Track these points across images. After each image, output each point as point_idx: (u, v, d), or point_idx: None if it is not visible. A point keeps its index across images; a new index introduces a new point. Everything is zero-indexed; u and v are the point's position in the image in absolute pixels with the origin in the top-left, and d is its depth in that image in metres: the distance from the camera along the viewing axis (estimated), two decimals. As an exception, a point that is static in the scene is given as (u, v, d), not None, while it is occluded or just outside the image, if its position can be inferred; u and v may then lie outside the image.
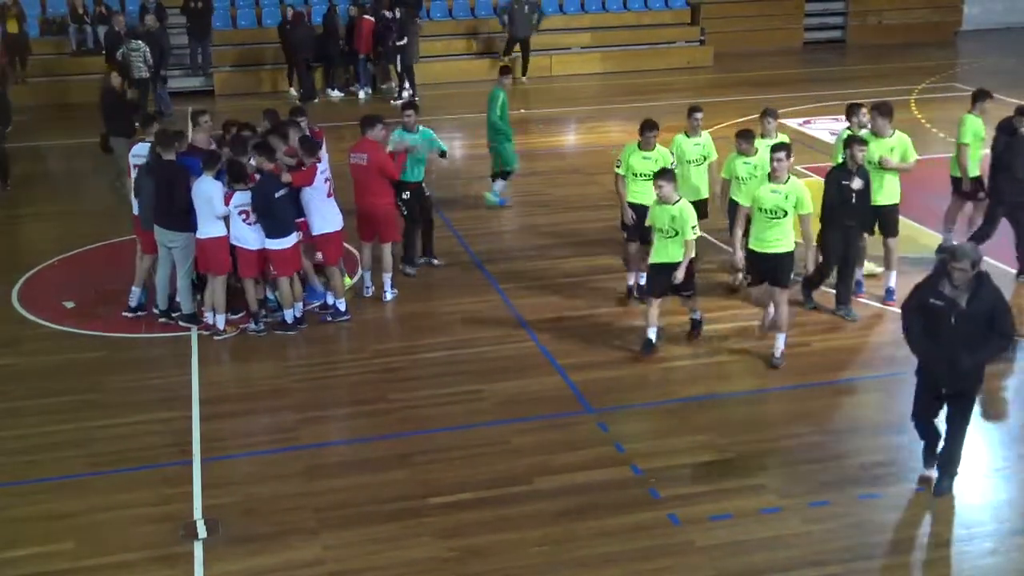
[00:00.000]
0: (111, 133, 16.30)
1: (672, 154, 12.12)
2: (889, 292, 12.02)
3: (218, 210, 10.91)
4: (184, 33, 24.06)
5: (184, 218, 11.22)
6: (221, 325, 11.38)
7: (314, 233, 11.55)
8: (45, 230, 15.15)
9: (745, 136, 11.79)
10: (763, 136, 12.16)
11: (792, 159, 10.59)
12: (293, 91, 23.64)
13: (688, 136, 12.50)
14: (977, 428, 9.04)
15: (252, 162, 11.30)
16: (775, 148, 10.54)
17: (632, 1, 27.63)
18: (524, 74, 24.77)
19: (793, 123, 20.13)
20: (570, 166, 17.97)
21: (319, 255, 11.88)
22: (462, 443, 9.36)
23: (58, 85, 23.67)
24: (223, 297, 11.34)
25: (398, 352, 11.12)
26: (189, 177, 11.21)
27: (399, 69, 23.37)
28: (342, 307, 11.69)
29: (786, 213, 10.28)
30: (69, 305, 12.25)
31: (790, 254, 10.51)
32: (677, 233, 10.31)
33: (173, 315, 11.74)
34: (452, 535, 8.05)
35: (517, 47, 25.04)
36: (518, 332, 11.50)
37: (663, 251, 10.51)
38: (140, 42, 20.94)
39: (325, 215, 11.49)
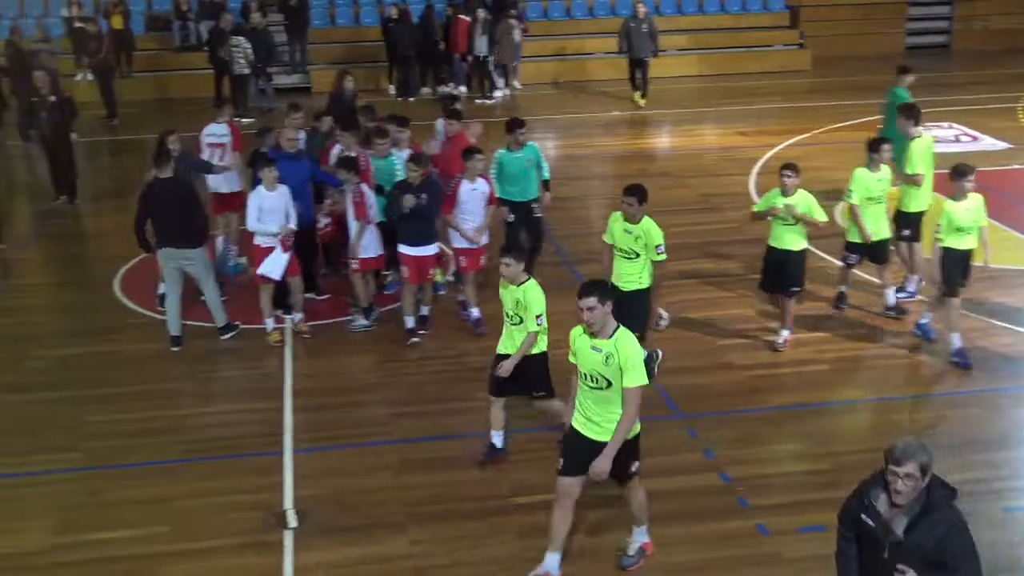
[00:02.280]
0: None
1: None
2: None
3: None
4: (283, 31, 24.45)
5: (201, 234, 11.15)
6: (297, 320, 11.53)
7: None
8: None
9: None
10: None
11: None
12: (392, 88, 23.87)
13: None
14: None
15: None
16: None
17: (730, 3, 27.35)
18: (643, 97, 22.73)
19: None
20: (661, 169, 17.85)
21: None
22: (549, 443, 9.34)
23: (161, 80, 24.25)
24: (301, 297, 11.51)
25: (488, 352, 11.10)
26: (196, 192, 11.29)
27: (492, 68, 23.42)
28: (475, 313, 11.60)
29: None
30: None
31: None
32: (522, 320, 8.62)
33: (222, 337, 11.44)
34: (536, 535, 8.03)
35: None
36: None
37: (509, 339, 8.79)
38: (242, 39, 21.38)
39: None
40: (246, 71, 21.52)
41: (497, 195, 11.69)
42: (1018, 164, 17.44)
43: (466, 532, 8.09)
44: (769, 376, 10.51)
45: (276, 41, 23.50)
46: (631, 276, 9.73)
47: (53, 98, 15.80)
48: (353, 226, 11.28)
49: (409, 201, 10.71)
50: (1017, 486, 8.68)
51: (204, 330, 11.67)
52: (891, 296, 11.83)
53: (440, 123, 13.11)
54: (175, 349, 11.20)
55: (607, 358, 6.91)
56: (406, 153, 11.81)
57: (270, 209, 10.91)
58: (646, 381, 7.01)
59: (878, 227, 11.42)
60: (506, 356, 8.69)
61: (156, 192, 10.99)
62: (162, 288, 11.79)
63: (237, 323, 11.57)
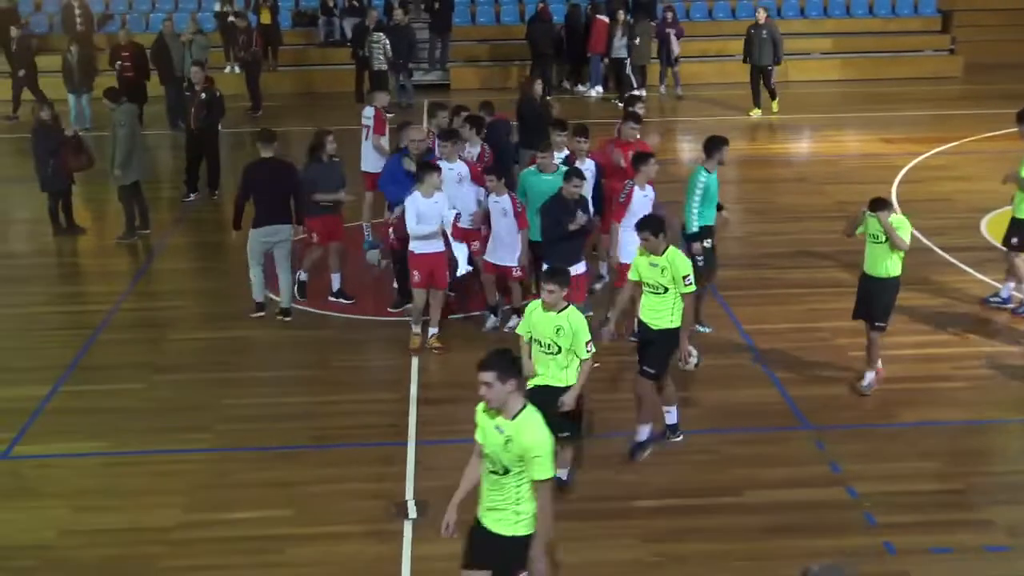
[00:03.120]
0: None
1: None
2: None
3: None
4: (425, 28, 24.79)
5: (294, 214, 11.73)
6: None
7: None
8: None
9: None
10: None
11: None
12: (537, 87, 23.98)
13: None
14: None
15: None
16: None
17: (879, 6, 26.61)
18: (773, 99, 22.01)
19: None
20: (797, 174, 17.47)
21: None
22: (670, 448, 9.25)
23: (305, 75, 24.87)
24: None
25: (604, 354, 11.03)
26: (295, 174, 11.79)
27: (627, 71, 23.27)
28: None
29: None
30: (303, 277, 12.70)
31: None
32: (560, 349, 7.98)
33: (279, 317, 11.93)
34: (655, 539, 7.97)
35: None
36: (735, 340, 11.27)
37: (544, 367, 8.10)
38: (381, 35, 21.77)
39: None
40: (384, 67, 21.88)
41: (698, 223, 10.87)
42: None
43: (586, 533, 8.05)
44: (901, 390, 10.18)
45: (417, 38, 23.84)
46: (661, 313, 8.84)
47: (204, 95, 16.25)
48: (516, 236, 11.02)
49: (581, 219, 10.32)
50: None
51: (335, 320, 11.91)
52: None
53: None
54: (259, 315, 11.95)
55: (507, 442, 5.98)
56: (590, 164, 11.47)
57: (426, 215, 10.63)
58: (551, 475, 5.98)
59: None
60: (545, 387, 7.99)
61: (259, 171, 11.67)
62: (302, 275, 12.37)
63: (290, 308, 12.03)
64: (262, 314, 11.98)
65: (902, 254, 9.74)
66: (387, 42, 21.82)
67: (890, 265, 9.78)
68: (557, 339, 7.85)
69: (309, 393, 10.42)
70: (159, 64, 20.72)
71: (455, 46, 25.29)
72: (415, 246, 10.77)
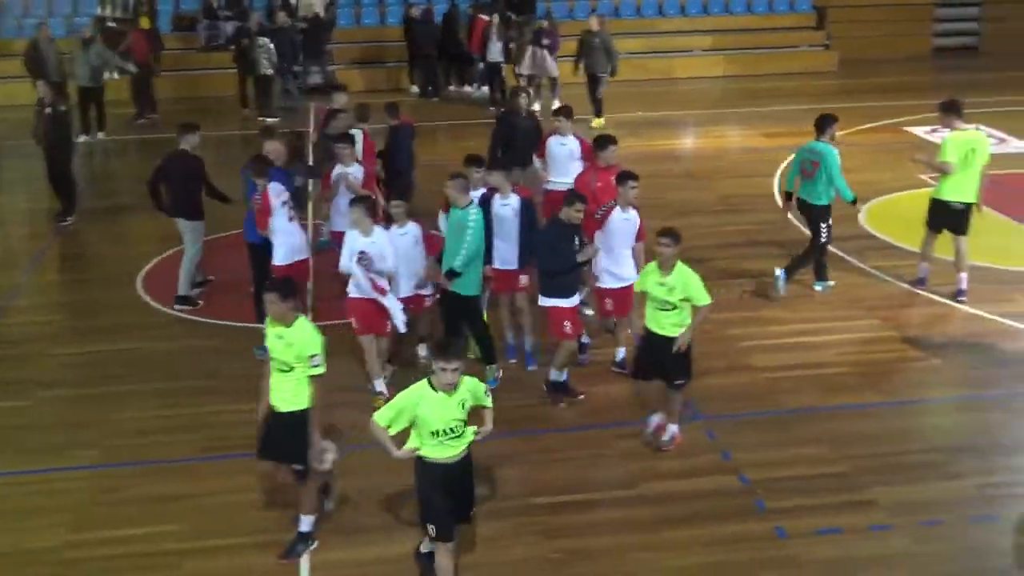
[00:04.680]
0: None
1: None
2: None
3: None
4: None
5: (195, 209, 12.22)
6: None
7: None
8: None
9: None
10: None
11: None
12: (414, 88, 23.92)
13: None
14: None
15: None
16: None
17: (756, 4, 27.22)
18: (598, 116, 20.54)
19: (920, 131, 19.57)
20: (684, 170, 17.78)
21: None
22: (567, 445, 9.33)
23: (187, 79, 24.37)
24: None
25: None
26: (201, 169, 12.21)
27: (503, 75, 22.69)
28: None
29: None
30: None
31: None
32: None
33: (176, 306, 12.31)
34: (557, 536, 8.02)
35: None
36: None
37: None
38: (265, 39, 21.47)
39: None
40: (269, 72, 21.59)
41: None
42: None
43: (487, 533, 8.07)
44: (789, 379, 10.44)
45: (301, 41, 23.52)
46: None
47: (49, 110, 15.38)
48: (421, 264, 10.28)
49: (590, 252, 9.77)
50: (1036, 491, 8.59)
51: (224, 329, 11.72)
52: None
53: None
54: (179, 307, 12.26)
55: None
56: (513, 199, 10.32)
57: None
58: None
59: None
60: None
61: (170, 162, 12.17)
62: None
63: (199, 302, 12.38)
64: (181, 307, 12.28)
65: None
66: (271, 46, 21.51)
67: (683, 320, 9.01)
68: (463, 415, 7.02)
69: (199, 404, 10.22)
70: (32, 71, 20.08)
71: (340, 48, 25.09)
72: (351, 289, 9.99)
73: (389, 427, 6.95)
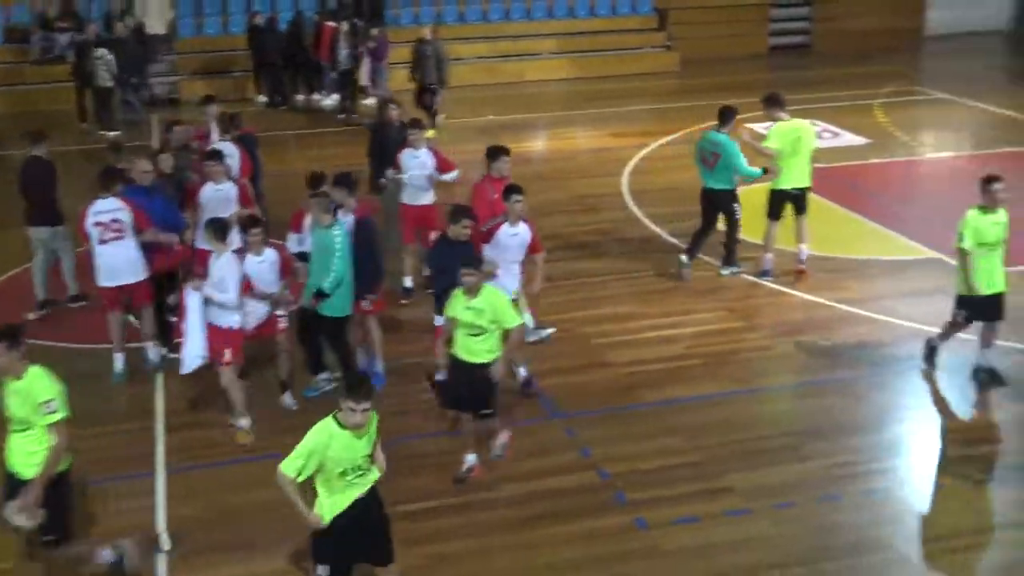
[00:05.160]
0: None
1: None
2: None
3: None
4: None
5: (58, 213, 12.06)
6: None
7: None
8: (8, 240, 14.99)
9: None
10: None
11: None
12: (261, 97, 23.53)
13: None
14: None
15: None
16: None
17: (599, 7, 27.72)
18: (434, 128, 19.88)
19: (760, 127, 20.18)
20: (536, 172, 17.97)
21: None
22: (426, 451, 9.35)
23: (22, 94, 23.45)
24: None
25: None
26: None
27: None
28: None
29: None
30: (31, 316, 12.11)
31: None
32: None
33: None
34: (421, 542, 8.03)
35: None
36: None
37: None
38: (104, 50, 20.82)
39: None
40: (109, 84, 20.95)
41: None
42: (876, 159, 18.06)
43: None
44: (643, 373, 10.69)
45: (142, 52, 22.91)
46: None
47: None
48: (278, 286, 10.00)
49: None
50: (878, 468, 9.00)
51: (66, 352, 11.34)
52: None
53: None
54: (41, 313, 12.20)
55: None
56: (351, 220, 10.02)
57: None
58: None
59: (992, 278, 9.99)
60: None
61: (28, 169, 12.07)
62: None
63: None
64: (44, 312, 12.16)
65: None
66: (111, 57, 20.87)
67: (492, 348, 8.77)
68: (370, 451, 6.80)
69: None
70: None
71: (183, 59, 24.54)
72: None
73: (298, 476, 6.50)
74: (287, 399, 10.12)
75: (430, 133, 19.91)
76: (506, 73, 25.63)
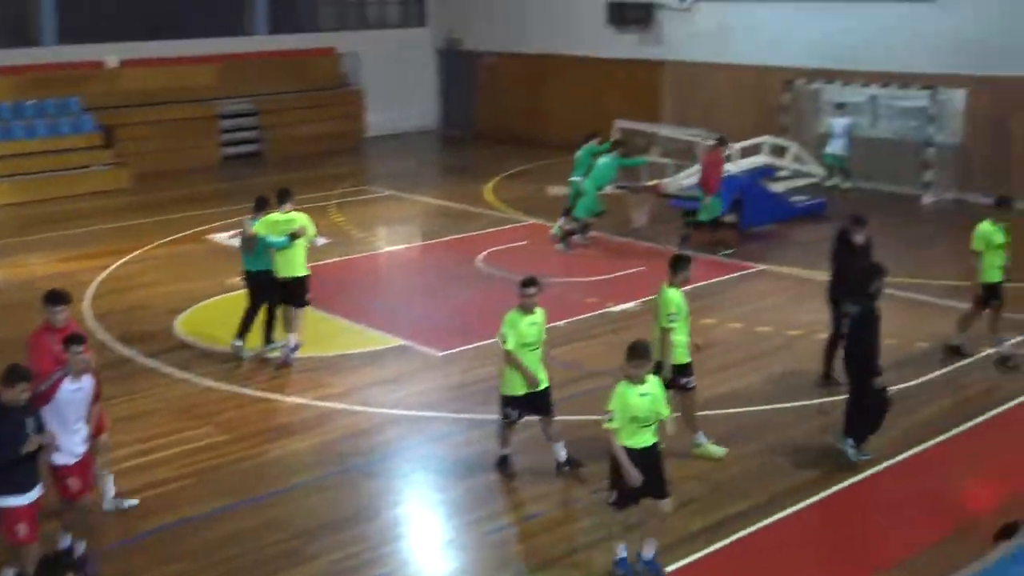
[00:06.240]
0: None
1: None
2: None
3: None
4: None
5: None
6: None
7: None
8: None
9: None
10: None
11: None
12: None
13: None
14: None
15: None
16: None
17: (38, 128, 26.42)
18: None
19: (221, 237, 20.33)
20: (-8, 305, 16.69)
21: None
22: None
23: None
24: None
25: None
26: None
27: None
28: None
29: None
30: None
31: None
32: None
33: None
34: None
35: None
36: None
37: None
38: None
39: None
40: None
41: None
42: (338, 257, 18.80)
43: None
44: (143, 500, 10.26)
45: None
46: None
47: None
48: None
49: (46, 439, 8.20)
50: (380, 554, 9.40)
51: None
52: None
53: None
54: None
55: None
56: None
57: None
58: None
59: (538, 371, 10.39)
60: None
61: None
62: None
63: None
64: None
65: None
66: None
67: None
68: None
69: None
70: None
71: None
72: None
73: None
74: None
75: None
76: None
